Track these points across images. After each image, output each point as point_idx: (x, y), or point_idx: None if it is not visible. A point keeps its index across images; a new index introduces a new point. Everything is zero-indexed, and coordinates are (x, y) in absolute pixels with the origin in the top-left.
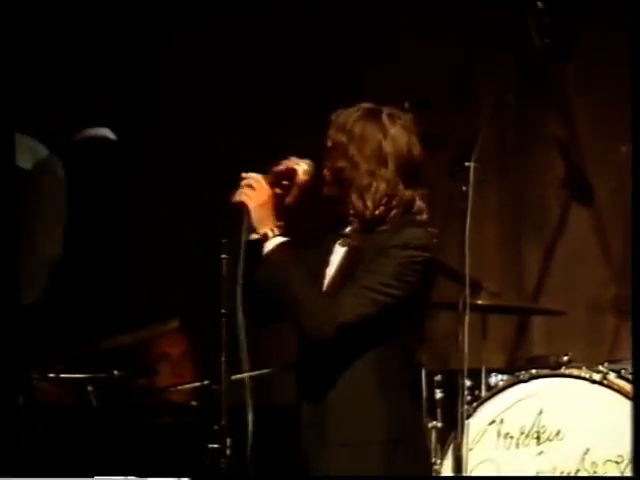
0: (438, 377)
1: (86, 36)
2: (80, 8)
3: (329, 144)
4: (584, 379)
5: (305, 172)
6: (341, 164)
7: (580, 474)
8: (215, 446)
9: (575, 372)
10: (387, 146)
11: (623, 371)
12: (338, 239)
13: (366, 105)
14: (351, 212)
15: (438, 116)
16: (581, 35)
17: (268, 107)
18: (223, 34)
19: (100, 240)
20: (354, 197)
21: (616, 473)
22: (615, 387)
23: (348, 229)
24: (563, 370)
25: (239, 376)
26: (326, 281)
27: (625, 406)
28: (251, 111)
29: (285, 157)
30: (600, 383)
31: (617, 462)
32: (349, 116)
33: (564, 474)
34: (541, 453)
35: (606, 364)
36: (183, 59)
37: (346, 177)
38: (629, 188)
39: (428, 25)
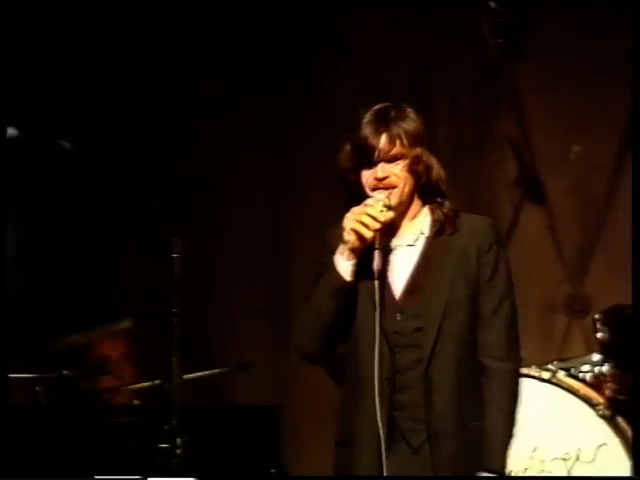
0: None
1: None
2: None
3: (400, 152)
4: (534, 377)
5: (385, 212)
6: (421, 168)
7: (529, 472)
8: (165, 445)
9: (525, 371)
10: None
11: (572, 369)
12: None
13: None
14: (436, 216)
15: None
16: (534, 35)
17: (225, 102)
18: (176, 31)
19: (55, 239)
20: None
21: (563, 471)
22: (564, 385)
23: (408, 238)
24: None
25: (191, 375)
26: (399, 288)
27: (573, 404)
28: (205, 107)
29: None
30: (549, 381)
31: (564, 459)
32: (408, 121)
33: (513, 473)
34: None
35: (555, 362)
36: (147, 58)
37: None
38: (582, 187)
39: (385, 24)
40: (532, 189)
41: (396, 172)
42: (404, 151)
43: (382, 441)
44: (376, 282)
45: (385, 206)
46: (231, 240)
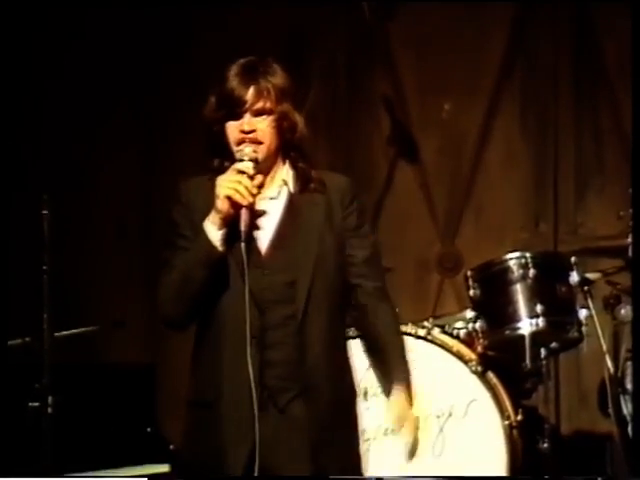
0: None
1: None
2: None
3: (268, 107)
4: (409, 335)
5: (256, 180)
6: (286, 124)
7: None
8: (36, 404)
9: (402, 328)
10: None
11: (447, 326)
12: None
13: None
14: (299, 172)
15: None
16: None
17: (97, 59)
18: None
19: None
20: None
21: (437, 427)
22: (438, 342)
23: (271, 191)
24: None
25: (63, 333)
26: (265, 242)
27: (447, 361)
28: (78, 65)
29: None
30: (424, 338)
31: (438, 416)
32: (277, 76)
33: (388, 430)
34: (368, 409)
35: (430, 319)
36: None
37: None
38: (452, 147)
39: None
40: (406, 147)
41: (262, 127)
42: (272, 106)
43: (254, 401)
44: (242, 244)
45: (252, 160)
46: (102, 199)
